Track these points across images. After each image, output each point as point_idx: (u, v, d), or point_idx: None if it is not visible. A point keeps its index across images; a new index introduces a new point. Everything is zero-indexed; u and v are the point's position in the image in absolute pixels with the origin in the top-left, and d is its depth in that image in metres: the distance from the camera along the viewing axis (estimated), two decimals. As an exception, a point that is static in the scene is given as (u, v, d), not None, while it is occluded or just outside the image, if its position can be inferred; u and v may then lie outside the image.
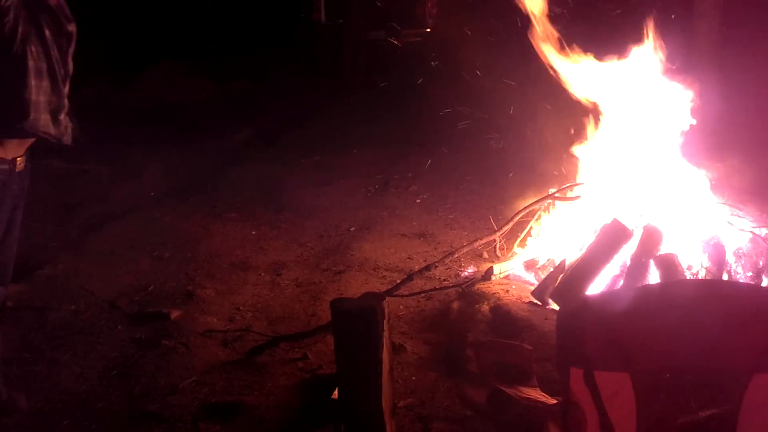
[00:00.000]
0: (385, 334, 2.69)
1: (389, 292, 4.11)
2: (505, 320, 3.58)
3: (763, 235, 3.78)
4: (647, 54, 4.05)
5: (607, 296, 2.58)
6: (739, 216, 3.87)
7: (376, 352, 2.60)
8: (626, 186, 4.05)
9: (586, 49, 4.15)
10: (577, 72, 4.16)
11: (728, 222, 3.79)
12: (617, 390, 1.92)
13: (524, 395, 2.62)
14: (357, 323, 2.62)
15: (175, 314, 4.16)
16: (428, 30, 12.38)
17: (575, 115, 4.56)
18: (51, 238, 5.42)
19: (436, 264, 4.41)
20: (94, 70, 9.04)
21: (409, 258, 5.04)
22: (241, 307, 4.34)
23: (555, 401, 2.58)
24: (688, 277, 3.42)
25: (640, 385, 1.93)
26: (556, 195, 4.35)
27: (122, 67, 10.80)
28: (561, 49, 4.14)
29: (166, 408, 3.28)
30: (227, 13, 11.49)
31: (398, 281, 4.33)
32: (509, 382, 2.73)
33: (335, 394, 3.21)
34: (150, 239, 5.42)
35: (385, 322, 2.71)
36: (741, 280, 3.58)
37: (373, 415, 2.63)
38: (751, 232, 3.75)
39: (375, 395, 2.60)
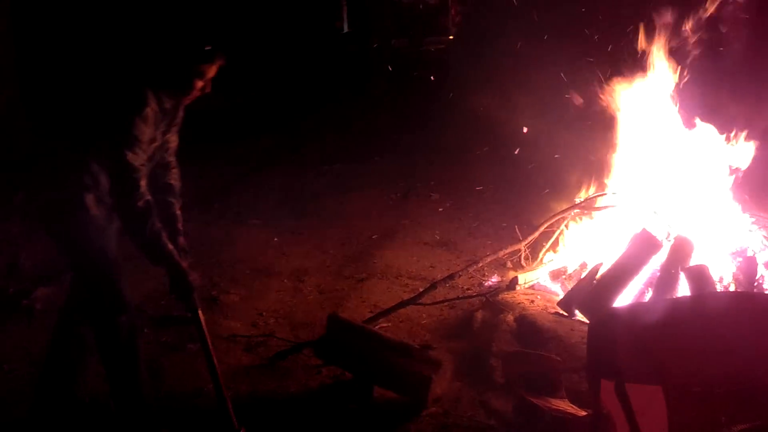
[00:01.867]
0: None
1: (412, 300, 4.09)
2: (530, 330, 3.54)
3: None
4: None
5: (638, 308, 2.54)
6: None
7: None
8: (656, 196, 3.99)
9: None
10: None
11: (761, 234, 3.72)
12: (649, 403, 1.89)
13: (553, 406, 2.58)
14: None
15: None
16: (451, 37, 12.39)
17: (604, 126, 4.52)
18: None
19: (460, 273, 4.38)
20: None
21: (431, 266, 5.02)
22: (264, 313, 4.34)
23: (584, 413, 2.54)
24: (719, 290, 3.36)
25: (672, 399, 1.89)
26: (584, 204, 4.31)
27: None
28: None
29: (192, 411, 3.29)
30: (247, 20, 11.53)
31: (421, 289, 4.31)
32: (537, 393, 2.70)
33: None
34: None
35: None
36: (773, 294, 3.51)
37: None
38: (782, 243, 3.68)
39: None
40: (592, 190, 4.40)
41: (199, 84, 2.89)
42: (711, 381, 1.90)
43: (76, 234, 2.87)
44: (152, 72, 2.85)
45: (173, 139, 3.10)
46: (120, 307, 2.97)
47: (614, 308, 2.71)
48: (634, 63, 4.19)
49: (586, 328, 2.54)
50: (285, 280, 4.83)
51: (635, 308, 2.52)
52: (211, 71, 2.89)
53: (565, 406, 2.61)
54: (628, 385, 1.86)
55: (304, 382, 3.57)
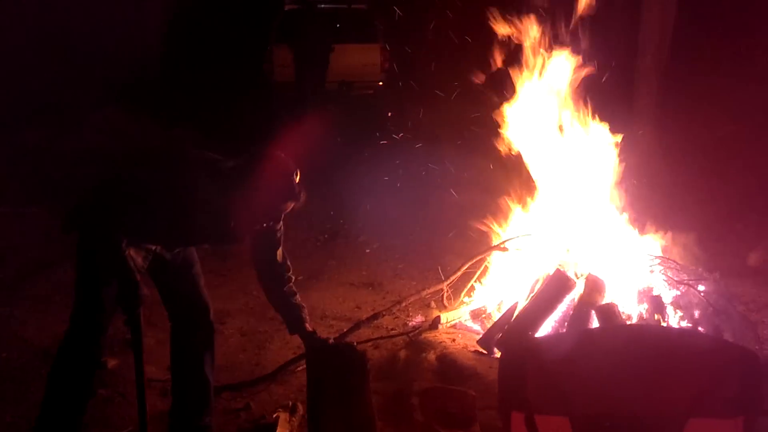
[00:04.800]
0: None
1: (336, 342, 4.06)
2: (451, 368, 3.58)
3: (699, 288, 3.90)
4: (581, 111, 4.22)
5: (546, 341, 2.62)
6: (676, 269, 3.99)
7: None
8: (569, 238, 4.14)
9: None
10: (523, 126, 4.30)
11: (665, 274, 3.90)
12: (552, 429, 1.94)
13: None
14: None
15: (111, 363, 4.04)
16: (380, 84, 12.66)
17: (521, 169, 4.68)
18: (-16, 284, 5.22)
19: (384, 313, 4.41)
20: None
21: (357, 307, 5.02)
22: (182, 356, 4.21)
23: (497, 447, 2.58)
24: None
25: (578, 429, 1.95)
26: (501, 246, 4.42)
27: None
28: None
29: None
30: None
31: (345, 330, 4.30)
32: (452, 427, 2.72)
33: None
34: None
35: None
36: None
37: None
38: (687, 284, 3.86)
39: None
40: (508, 232, 4.53)
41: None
42: (616, 413, 1.96)
43: None
44: None
45: None
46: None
47: (523, 342, 2.79)
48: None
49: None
50: (206, 323, 4.72)
51: (544, 342, 2.60)
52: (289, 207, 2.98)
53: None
54: (538, 416, 1.91)
55: (223, 426, 3.48)
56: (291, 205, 2.95)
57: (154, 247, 2.97)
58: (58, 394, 3.00)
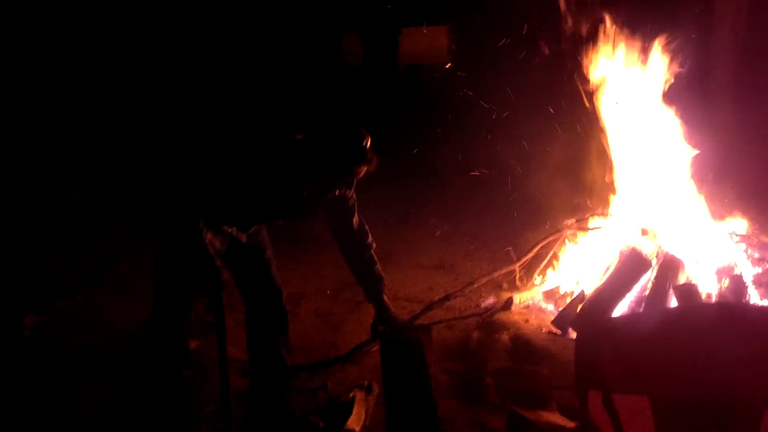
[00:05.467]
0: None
1: (407, 323, 4.11)
2: (524, 349, 3.57)
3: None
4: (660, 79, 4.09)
5: (624, 321, 2.57)
6: (756, 246, 3.84)
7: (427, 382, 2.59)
8: (646, 217, 4.04)
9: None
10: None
11: (745, 252, 3.76)
12: (635, 413, 1.92)
13: (543, 419, 2.60)
14: (405, 355, 2.61)
15: (193, 344, 4.18)
16: (448, 66, 12.57)
17: (592, 149, 4.59)
18: (70, 270, 5.49)
19: (456, 294, 4.41)
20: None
21: (429, 288, 5.04)
22: (260, 337, 4.34)
23: (573, 425, 2.56)
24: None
25: (658, 408, 1.92)
26: (575, 226, 4.35)
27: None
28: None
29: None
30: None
31: (418, 311, 4.33)
32: (528, 407, 2.71)
33: (349, 421, 3.23)
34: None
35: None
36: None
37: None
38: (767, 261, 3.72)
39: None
40: (583, 213, 4.45)
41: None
42: (695, 391, 1.92)
43: None
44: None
45: None
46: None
47: (600, 322, 2.75)
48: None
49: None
50: (282, 305, 4.84)
51: (621, 322, 2.56)
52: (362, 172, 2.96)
53: (555, 418, 2.63)
54: (615, 396, 1.89)
55: (300, 405, 3.58)
56: (363, 170, 2.93)
57: (230, 230, 3.06)
58: (144, 376, 3.14)
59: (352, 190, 3.15)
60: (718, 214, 4.14)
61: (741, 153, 5.39)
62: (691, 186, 4.18)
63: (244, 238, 3.16)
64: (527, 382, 2.86)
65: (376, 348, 3.98)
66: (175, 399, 3.62)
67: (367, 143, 2.88)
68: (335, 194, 3.04)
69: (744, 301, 3.46)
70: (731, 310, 2.59)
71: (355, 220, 3.24)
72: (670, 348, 1.94)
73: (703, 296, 3.49)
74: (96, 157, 8.15)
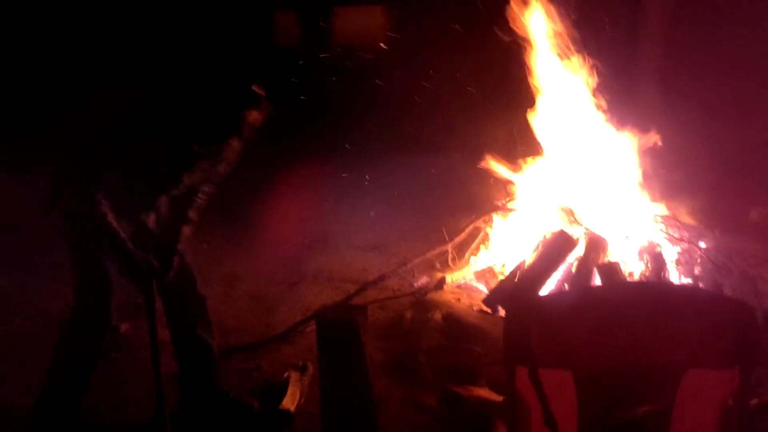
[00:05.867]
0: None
1: (343, 303, 4.16)
2: (456, 327, 3.67)
3: (699, 245, 3.96)
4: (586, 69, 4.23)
5: (550, 298, 2.69)
6: (677, 226, 4.04)
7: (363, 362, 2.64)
8: (572, 198, 4.19)
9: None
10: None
11: (666, 232, 3.96)
12: (560, 386, 2.01)
13: (474, 394, 2.69)
14: (341, 335, 2.65)
15: (124, 327, 4.11)
16: (382, 45, 12.57)
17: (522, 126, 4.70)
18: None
19: (390, 274, 4.48)
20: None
21: (363, 269, 5.10)
22: (193, 319, 4.31)
23: (501, 399, 2.66)
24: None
25: (580, 381, 2.02)
26: (505, 206, 4.48)
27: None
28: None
29: (118, 420, 3.26)
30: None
31: (352, 292, 4.38)
32: (459, 383, 2.80)
33: (284, 401, 3.26)
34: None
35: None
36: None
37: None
38: (687, 241, 3.92)
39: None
40: (512, 193, 4.57)
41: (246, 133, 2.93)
42: (617, 365, 2.03)
43: None
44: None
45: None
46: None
47: (527, 300, 2.86)
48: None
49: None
50: (215, 287, 4.79)
51: (548, 298, 2.67)
52: (256, 118, 2.92)
53: (485, 393, 2.73)
54: (541, 371, 1.98)
55: (235, 386, 3.59)
56: (253, 116, 2.91)
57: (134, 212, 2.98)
58: (66, 365, 3.08)
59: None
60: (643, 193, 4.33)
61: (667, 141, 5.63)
62: (620, 170, 4.35)
63: (152, 220, 3.08)
64: (459, 358, 2.96)
65: (310, 328, 4.01)
66: (107, 382, 3.59)
67: (260, 91, 2.86)
68: (226, 154, 2.99)
69: (662, 278, 3.65)
70: (649, 287, 2.76)
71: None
72: (592, 323, 2.05)
73: (626, 274, 3.66)
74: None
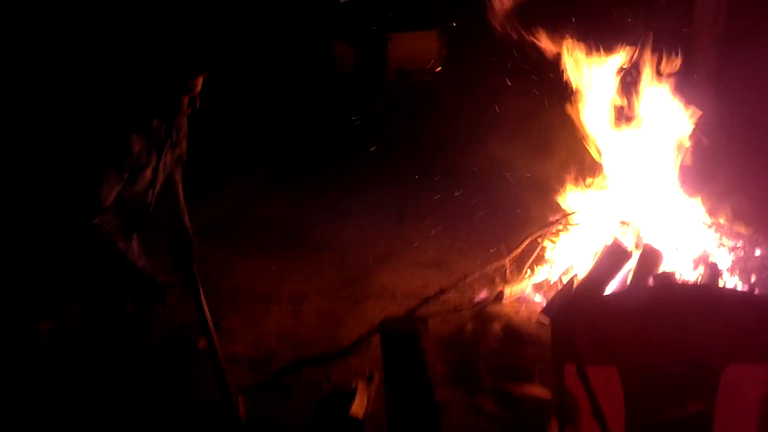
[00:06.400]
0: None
1: (406, 315, 4.35)
2: (514, 337, 3.81)
3: (756, 254, 4.00)
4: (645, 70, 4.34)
5: (594, 301, 2.82)
6: (732, 235, 4.09)
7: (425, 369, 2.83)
8: (627, 210, 4.29)
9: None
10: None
11: (720, 242, 4.01)
12: (606, 382, 2.16)
13: (528, 392, 2.84)
14: (404, 344, 2.84)
15: (202, 343, 4.40)
16: (438, 70, 12.80)
17: (576, 148, 4.84)
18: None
19: (450, 288, 4.66)
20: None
21: (424, 285, 5.28)
22: (265, 335, 4.59)
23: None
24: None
25: (626, 377, 2.16)
26: (560, 221, 4.61)
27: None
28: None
29: (199, 427, 3.53)
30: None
31: (414, 306, 4.57)
32: (515, 383, 2.95)
33: (353, 408, 3.47)
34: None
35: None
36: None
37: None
38: (742, 249, 3.97)
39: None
40: (568, 208, 4.70)
41: (186, 100, 2.96)
42: (658, 359, 2.17)
43: None
44: (141, 96, 2.92)
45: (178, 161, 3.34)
46: None
47: (574, 302, 3.00)
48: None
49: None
50: (284, 304, 5.08)
51: (592, 301, 2.80)
52: (198, 85, 2.96)
53: (539, 391, 2.87)
54: (589, 368, 2.13)
55: (306, 396, 3.83)
56: (200, 81, 2.94)
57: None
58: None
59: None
60: (702, 207, 4.38)
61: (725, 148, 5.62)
62: (674, 180, 4.42)
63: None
64: (513, 361, 3.11)
65: (375, 341, 4.22)
66: (187, 394, 3.88)
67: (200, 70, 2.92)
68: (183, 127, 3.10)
69: (706, 283, 3.71)
70: (689, 289, 2.86)
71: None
72: (637, 323, 2.19)
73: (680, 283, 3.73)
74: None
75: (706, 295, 2.38)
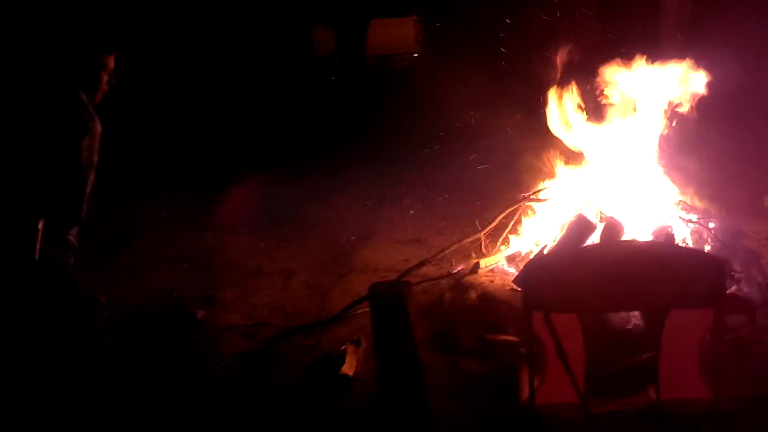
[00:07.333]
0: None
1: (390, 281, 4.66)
2: (490, 303, 4.16)
3: (710, 227, 4.38)
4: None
5: (559, 255, 3.16)
6: (688, 209, 4.48)
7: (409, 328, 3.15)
8: (591, 183, 4.65)
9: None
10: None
11: (679, 215, 4.40)
12: (569, 327, 2.51)
13: (502, 338, 3.19)
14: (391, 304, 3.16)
15: (200, 313, 4.71)
16: (415, 55, 13.10)
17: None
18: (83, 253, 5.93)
19: (430, 260, 5.00)
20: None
21: (405, 260, 5.61)
22: (258, 306, 4.90)
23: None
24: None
25: (585, 322, 2.52)
26: (530, 198, 4.96)
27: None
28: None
29: (202, 387, 3.84)
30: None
31: (395, 278, 4.90)
32: (491, 332, 3.30)
33: (343, 368, 3.79)
34: (169, 253, 5.97)
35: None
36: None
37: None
38: (697, 222, 4.36)
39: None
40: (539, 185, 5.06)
41: (105, 78, 3.17)
42: (613, 305, 2.53)
43: None
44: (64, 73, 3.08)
45: None
46: None
47: (541, 256, 3.34)
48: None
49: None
50: (274, 279, 5.38)
51: (557, 255, 3.15)
52: (111, 61, 3.17)
53: (511, 338, 3.22)
54: (554, 314, 2.47)
55: (299, 360, 4.15)
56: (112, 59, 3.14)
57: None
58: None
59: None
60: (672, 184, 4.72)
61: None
62: (639, 157, 4.76)
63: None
64: (489, 314, 3.45)
65: (361, 310, 4.55)
66: (188, 359, 4.18)
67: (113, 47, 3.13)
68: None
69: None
70: (639, 245, 3.22)
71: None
72: (593, 275, 2.53)
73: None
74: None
75: (651, 249, 2.73)
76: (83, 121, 3.02)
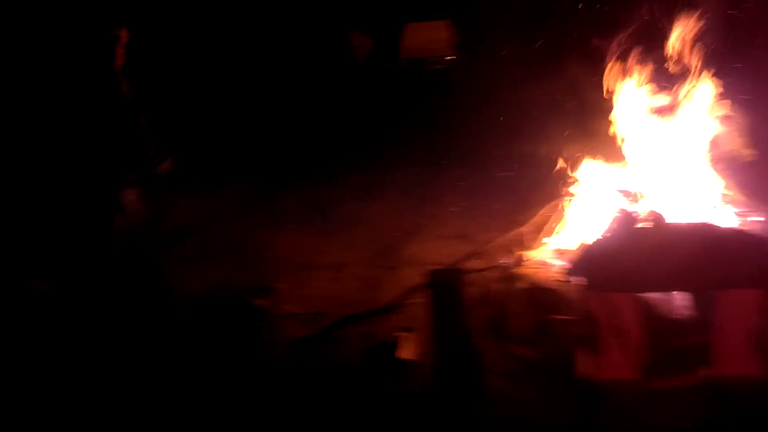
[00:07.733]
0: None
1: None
2: (538, 292, 4.33)
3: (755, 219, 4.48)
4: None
5: (613, 239, 3.29)
6: (734, 202, 4.57)
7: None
8: (638, 180, 4.78)
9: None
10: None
11: (723, 208, 4.50)
12: (623, 306, 2.68)
13: (559, 318, 3.37)
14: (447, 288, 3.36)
15: (260, 303, 4.94)
16: (452, 57, 13.24)
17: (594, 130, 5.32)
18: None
19: (476, 252, 5.18)
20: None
21: (449, 255, 5.79)
22: (312, 297, 5.13)
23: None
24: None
25: (639, 302, 2.69)
26: (570, 192, 5.11)
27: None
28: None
29: (268, 370, 4.08)
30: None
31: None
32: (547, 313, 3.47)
33: (400, 353, 4.00)
34: (222, 247, 6.25)
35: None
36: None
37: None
38: (742, 215, 4.45)
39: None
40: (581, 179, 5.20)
41: (120, 51, 3.52)
42: (663, 287, 2.69)
43: None
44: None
45: None
46: None
47: (596, 240, 3.46)
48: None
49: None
50: (325, 271, 5.62)
51: (609, 240, 3.29)
52: (124, 36, 3.52)
53: (565, 318, 3.39)
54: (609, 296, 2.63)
55: (355, 345, 4.37)
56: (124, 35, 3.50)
57: None
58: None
59: None
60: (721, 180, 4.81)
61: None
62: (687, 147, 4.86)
63: None
64: (539, 302, 3.63)
65: (412, 301, 4.75)
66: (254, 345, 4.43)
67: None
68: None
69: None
70: (691, 228, 3.31)
71: None
72: (645, 257, 2.69)
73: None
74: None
75: (704, 230, 2.88)
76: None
